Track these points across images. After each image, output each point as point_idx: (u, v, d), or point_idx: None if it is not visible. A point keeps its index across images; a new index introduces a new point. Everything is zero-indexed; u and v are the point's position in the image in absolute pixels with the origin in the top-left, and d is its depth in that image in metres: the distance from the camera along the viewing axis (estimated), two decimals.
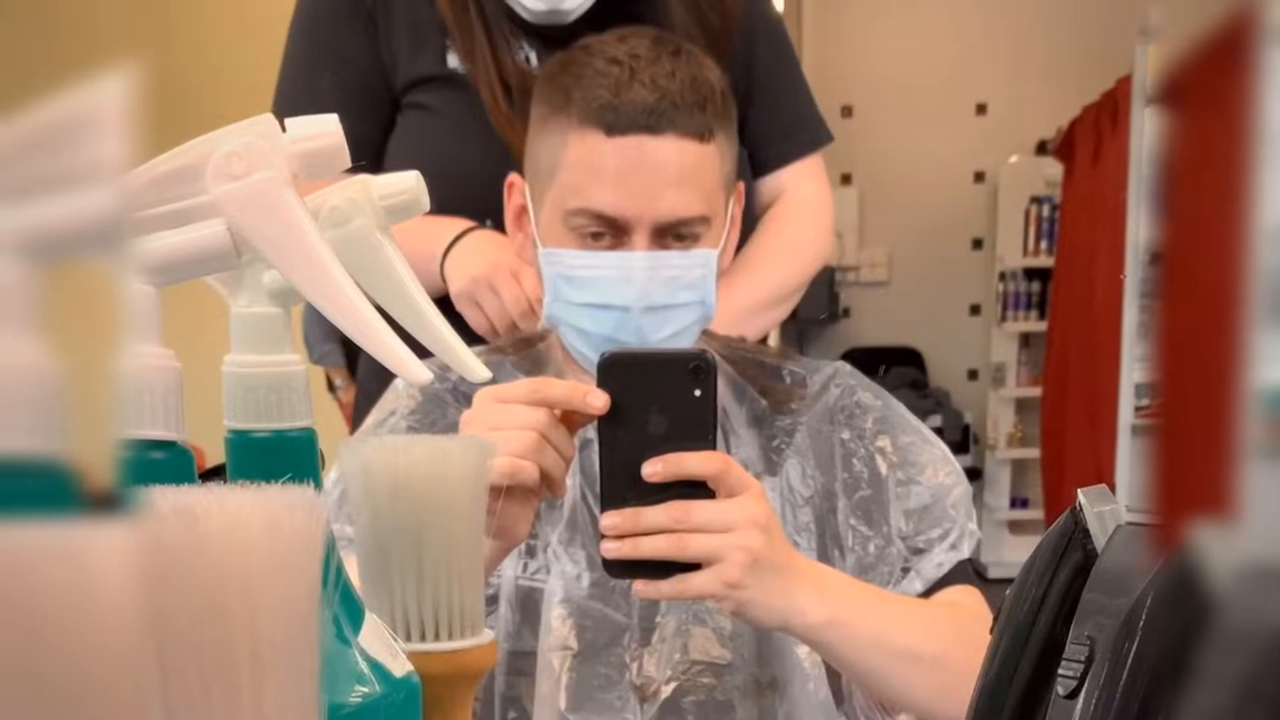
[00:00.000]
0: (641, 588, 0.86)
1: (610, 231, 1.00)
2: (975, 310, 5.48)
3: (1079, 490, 0.54)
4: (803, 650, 1.02)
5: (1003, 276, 5.28)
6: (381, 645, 0.52)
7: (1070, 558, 0.54)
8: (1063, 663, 0.49)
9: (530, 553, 1.06)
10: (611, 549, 0.85)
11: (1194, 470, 0.23)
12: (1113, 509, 0.54)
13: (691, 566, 0.86)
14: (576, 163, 1.00)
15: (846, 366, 1.14)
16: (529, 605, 1.06)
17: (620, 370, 0.85)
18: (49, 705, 0.26)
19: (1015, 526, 5.25)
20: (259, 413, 0.52)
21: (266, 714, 0.32)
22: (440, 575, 0.60)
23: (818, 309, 5.06)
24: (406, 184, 0.50)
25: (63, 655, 0.26)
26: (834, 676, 1.05)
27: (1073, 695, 0.48)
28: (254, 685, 0.32)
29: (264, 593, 0.32)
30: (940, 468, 1.08)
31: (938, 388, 5.35)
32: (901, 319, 5.38)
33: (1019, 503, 5.35)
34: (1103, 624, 0.47)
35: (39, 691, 0.26)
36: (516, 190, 1.08)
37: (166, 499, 0.31)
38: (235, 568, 0.31)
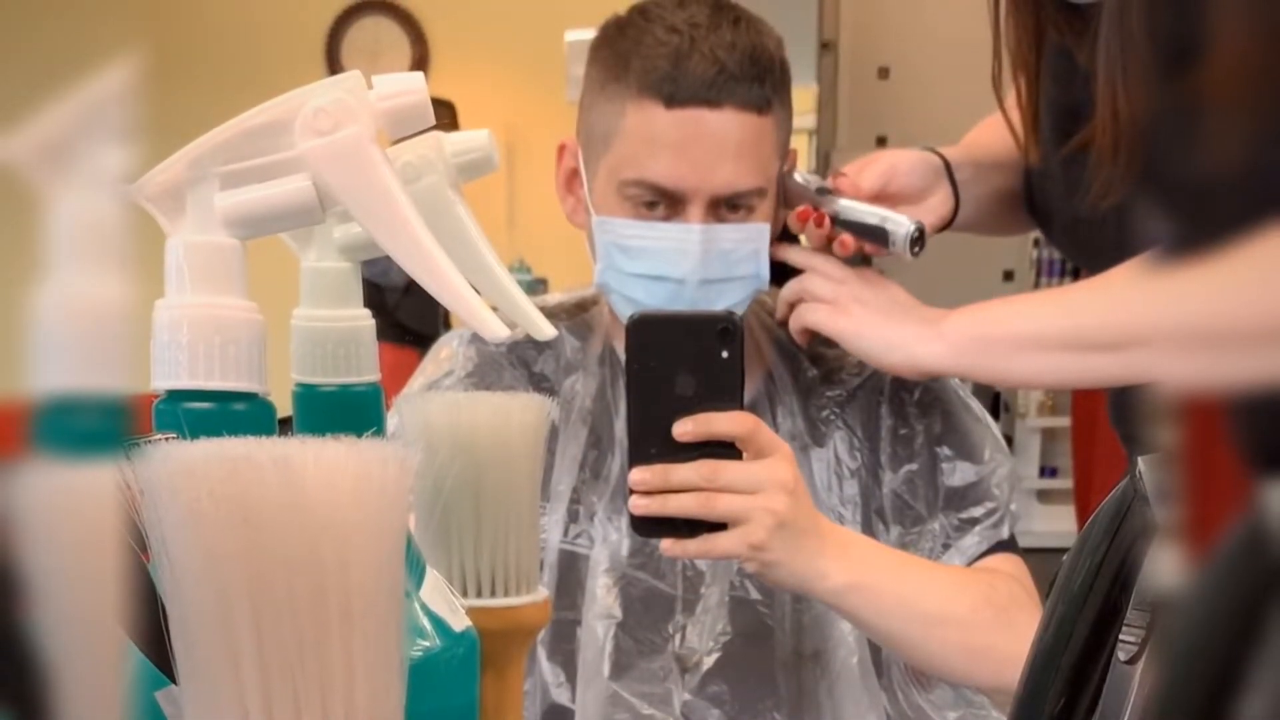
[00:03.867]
0: (669, 546, 0.87)
1: (665, 202, 1.00)
2: (1009, 276, 5.44)
3: (1139, 457, 0.54)
4: (845, 623, 1.03)
5: (1037, 242, 5.23)
6: (441, 600, 0.52)
7: (1129, 524, 0.54)
8: (1124, 628, 0.49)
9: (573, 517, 1.07)
10: (640, 505, 0.86)
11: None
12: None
13: (718, 527, 0.86)
14: (634, 133, 0.99)
15: None
16: (571, 571, 1.06)
17: (649, 331, 0.85)
18: None
19: (1045, 496, 5.24)
20: (327, 367, 0.53)
21: (355, 663, 0.33)
22: (498, 531, 0.60)
23: None
24: (478, 142, 0.51)
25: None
26: (875, 649, 1.05)
27: (1133, 660, 0.48)
28: (344, 635, 0.33)
29: (356, 543, 0.32)
30: (987, 445, 1.08)
31: None
32: (933, 284, 5.31)
33: (1048, 472, 5.33)
34: (1165, 592, 0.47)
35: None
36: (569, 153, 1.08)
37: (264, 450, 0.31)
38: (329, 519, 0.31)
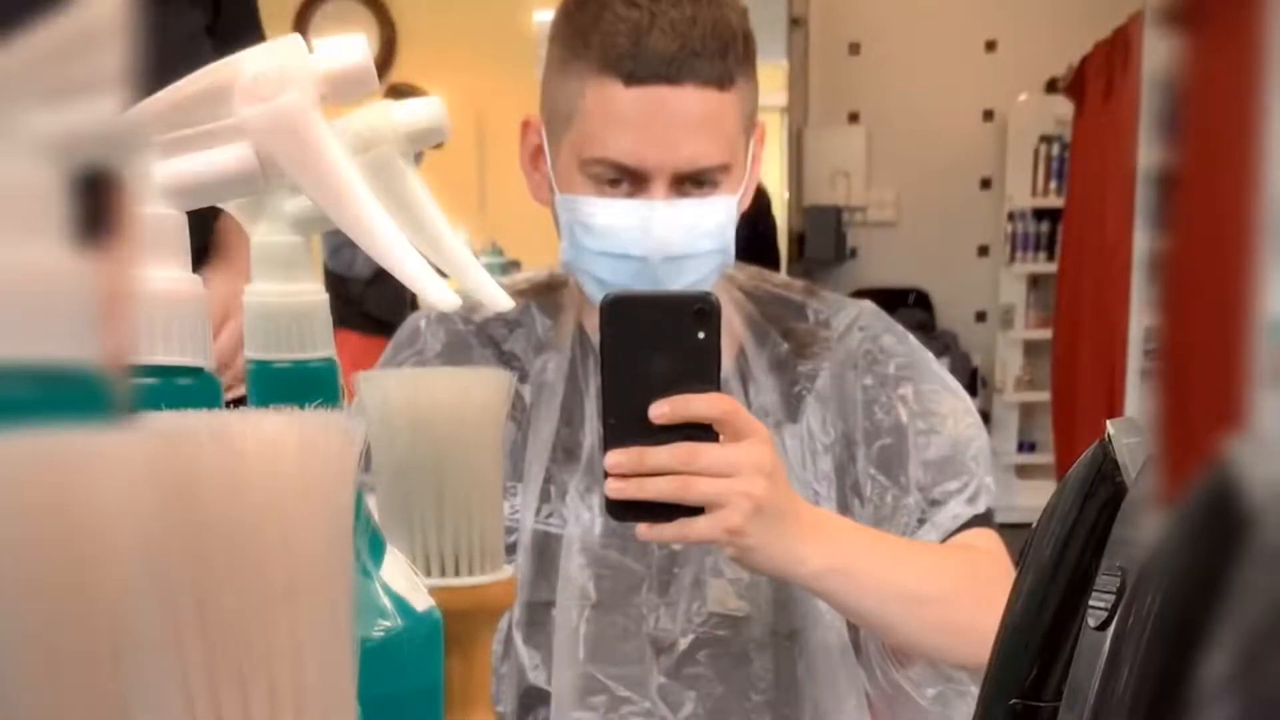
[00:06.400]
0: (645, 530, 0.86)
1: (628, 179, 0.99)
2: (984, 251, 5.46)
3: (1109, 422, 0.54)
4: (822, 602, 1.02)
5: (1011, 217, 5.25)
6: (403, 579, 0.51)
7: (1099, 491, 0.54)
8: (1094, 594, 0.48)
9: (546, 497, 1.06)
10: (616, 489, 0.84)
11: (1209, 396, 0.23)
12: (1143, 440, 0.53)
13: (695, 511, 0.85)
14: (594, 111, 0.98)
15: (871, 306, 1.13)
16: (546, 552, 1.05)
17: (624, 312, 0.84)
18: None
19: (1023, 471, 5.26)
20: (280, 343, 0.51)
21: (302, 643, 0.32)
22: (460, 509, 0.59)
23: (825, 250, 5.05)
24: (427, 110, 0.50)
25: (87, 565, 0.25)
26: (852, 627, 1.05)
27: (1103, 626, 0.48)
28: (289, 612, 0.32)
29: (299, 517, 0.31)
30: (961, 419, 1.07)
31: (945, 330, 5.34)
32: (909, 260, 5.35)
33: (1027, 446, 5.35)
34: (1134, 555, 0.47)
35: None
36: (532, 130, 1.07)
37: (201, 422, 0.30)
38: (270, 491, 0.30)
